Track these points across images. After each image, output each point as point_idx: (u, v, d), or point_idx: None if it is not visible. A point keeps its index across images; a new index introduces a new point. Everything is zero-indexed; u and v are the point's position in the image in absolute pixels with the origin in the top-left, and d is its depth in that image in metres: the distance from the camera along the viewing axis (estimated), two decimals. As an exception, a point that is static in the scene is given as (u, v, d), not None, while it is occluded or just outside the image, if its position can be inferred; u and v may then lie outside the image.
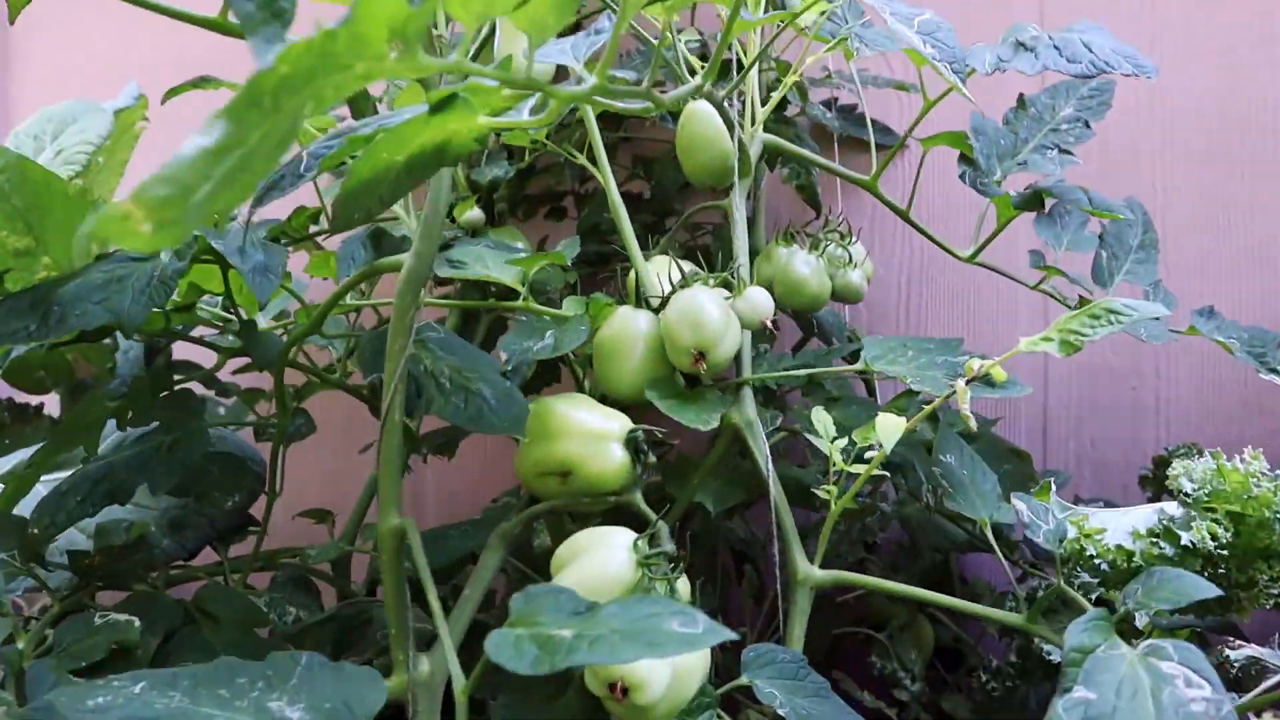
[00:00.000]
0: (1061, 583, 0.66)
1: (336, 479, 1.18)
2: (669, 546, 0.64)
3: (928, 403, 0.72)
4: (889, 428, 0.65)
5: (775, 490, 0.74)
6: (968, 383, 0.66)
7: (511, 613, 0.51)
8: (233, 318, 0.80)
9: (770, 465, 0.74)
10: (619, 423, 0.69)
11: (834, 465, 0.72)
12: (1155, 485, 1.10)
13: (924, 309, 1.29)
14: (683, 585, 0.67)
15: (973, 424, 0.64)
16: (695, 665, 0.63)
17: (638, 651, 0.45)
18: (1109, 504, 1.13)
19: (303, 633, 0.79)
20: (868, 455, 0.70)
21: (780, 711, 0.67)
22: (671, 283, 0.75)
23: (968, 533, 1.13)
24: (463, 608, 0.66)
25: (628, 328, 0.74)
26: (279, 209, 0.72)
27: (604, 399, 0.82)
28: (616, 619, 0.48)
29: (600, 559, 0.62)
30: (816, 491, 0.73)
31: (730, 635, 0.48)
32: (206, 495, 0.81)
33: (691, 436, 0.79)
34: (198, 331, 0.84)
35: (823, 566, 0.82)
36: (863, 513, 1.01)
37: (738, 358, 0.79)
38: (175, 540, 0.89)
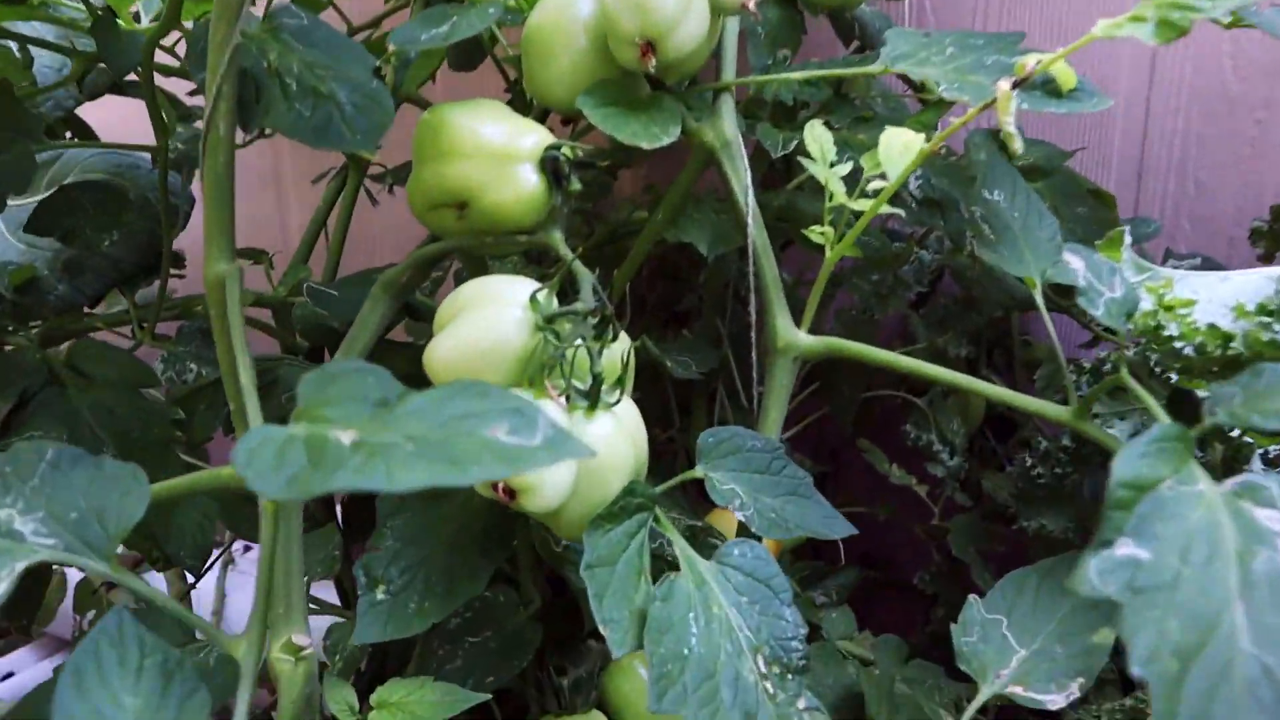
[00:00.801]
0: (1126, 374, 0.48)
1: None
2: (586, 302, 0.47)
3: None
4: (896, 149, 0.46)
5: (754, 229, 0.56)
6: (1015, 86, 0.46)
7: (299, 399, 0.35)
8: (81, 7, 0.62)
9: (750, 197, 0.56)
10: (533, 138, 0.50)
11: (831, 198, 0.54)
12: (1270, 241, 0.89)
13: (1005, 12, 1.05)
14: (614, 360, 0.51)
15: (1017, 144, 0.45)
16: (616, 457, 0.48)
17: (430, 472, 0.30)
18: (1209, 262, 0.92)
19: (192, 395, 0.66)
20: (873, 185, 0.51)
21: (740, 515, 0.52)
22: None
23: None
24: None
25: (564, 12, 0.55)
26: None
27: (545, 115, 0.63)
28: (419, 419, 0.32)
29: (481, 320, 0.46)
30: (807, 234, 0.55)
31: (588, 451, 0.32)
32: (75, 233, 0.66)
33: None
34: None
35: (835, 329, 0.65)
36: (896, 261, 0.82)
37: (718, 57, 0.60)
38: (72, 285, 0.75)
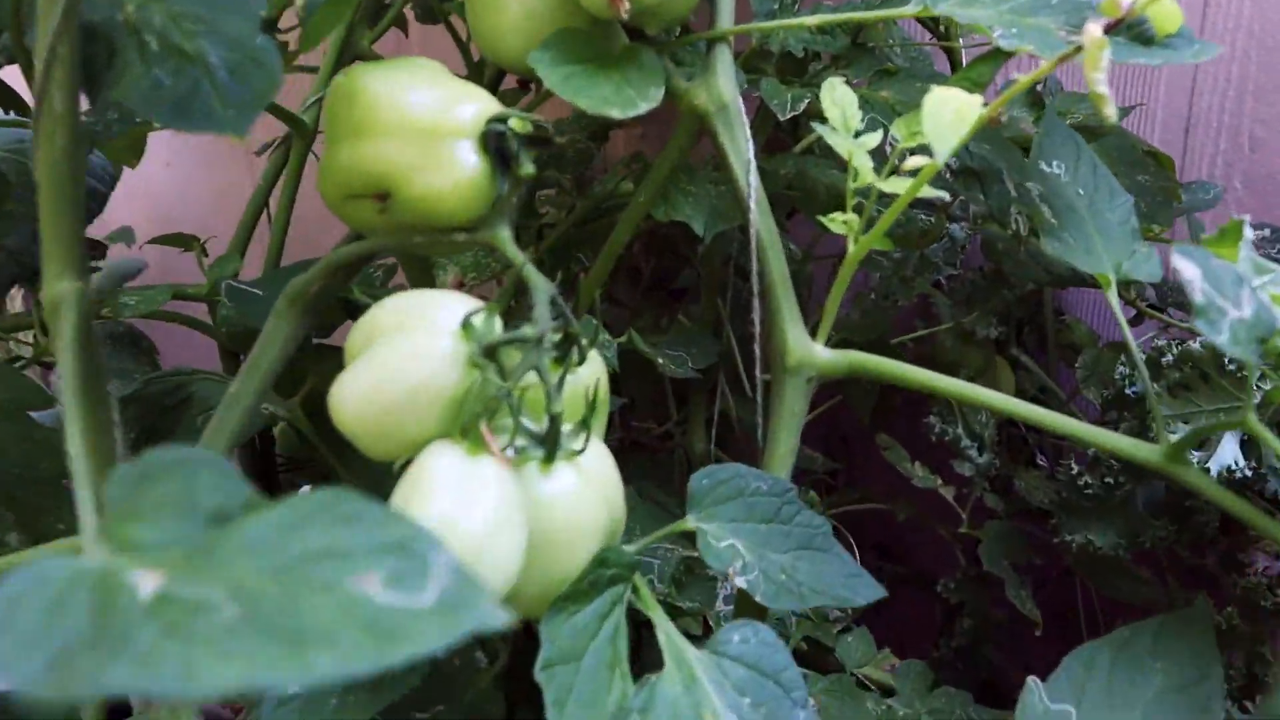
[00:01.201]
0: (1252, 416, 0.36)
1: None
2: (539, 326, 0.36)
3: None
4: (947, 114, 0.34)
5: (758, 214, 0.44)
6: (1109, 30, 0.34)
7: (107, 503, 0.24)
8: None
9: (753, 174, 0.44)
10: (473, 108, 0.39)
11: (855, 178, 0.42)
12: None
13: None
14: (580, 390, 0.39)
15: (1111, 111, 0.33)
16: (580, 521, 0.37)
17: (251, 663, 0.19)
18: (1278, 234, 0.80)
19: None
20: (911, 164, 0.39)
21: (742, 580, 0.41)
22: None
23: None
24: (222, 417, 0.40)
25: (517, -55, 0.43)
26: None
27: (499, 79, 0.52)
28: (257, 555, 0.21)
29: (400, 354, 0.34)
30: (825, 221, 0.44)
31: (502, 619, 0.21)
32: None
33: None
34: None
35: (850, 317, 0.54)
36: (923, 239, 0.71)
37: (713, 2, 0.48)
38: (-40, 281, 0.64)
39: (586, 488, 0.37)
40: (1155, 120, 0.93)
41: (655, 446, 0.87)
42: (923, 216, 0.72)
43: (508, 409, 0.35)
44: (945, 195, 0.41)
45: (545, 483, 0.37)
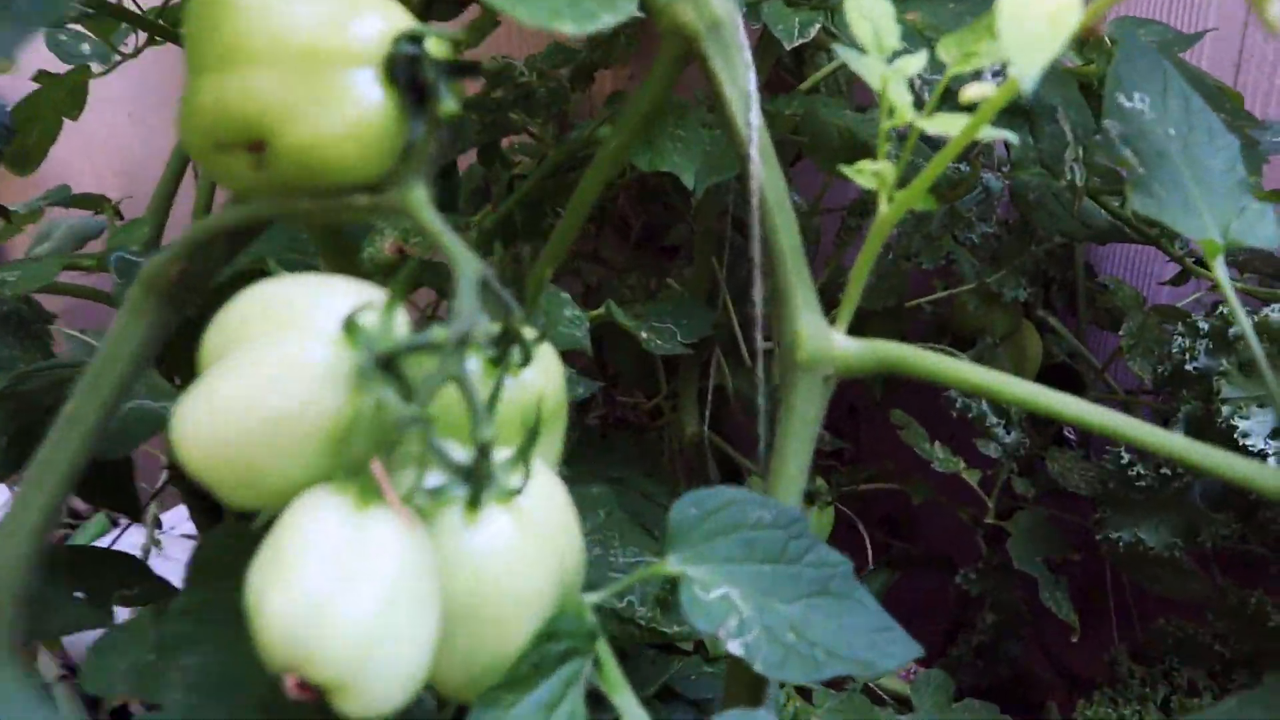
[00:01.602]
0: None
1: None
2: (459, 323, 0.26)
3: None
4: (1035, 19, 0.24)
5: (759, 164, 0.34)
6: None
7: None
8: None
9: (754, 110, 0.34)
10: (374, 24, 0.28)
11: (891, 115, 0.32)
12: None
13: None
14: (528, 402, 0.29)
15: (1274, 10, 0.23)
16: (517, 585, 0.28)
17: None
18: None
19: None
20: (973, 93, 0.29)
21: (736, 645, 0.32)
22: None
23: (1115, 218, 0.72)
24: (55, 445, 0.30)
25: None
26: None
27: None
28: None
29: (259, 368, 0.24)
30: (849, 172, 0.33)
31: None
32: None
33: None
34: None
35: (862, 324, 0.45)
36: (954, 190, 0.60)
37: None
38: None
39: (527, 538, 0.27)
40: (1202, 53, 0.82)
41: (643, 424, 0.78)
42: (952, 164, 0.62)
43: (417, 438, 0.25)
44: (1011, 135, 0.30)
45: (470, 535, 0.27)
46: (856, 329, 0.76)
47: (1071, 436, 0.89)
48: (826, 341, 0.34)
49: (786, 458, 0.34)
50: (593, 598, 0.33)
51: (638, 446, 0.75)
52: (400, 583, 0.24)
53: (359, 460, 0.24)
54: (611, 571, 0.50)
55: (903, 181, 0.33)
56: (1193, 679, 0.71)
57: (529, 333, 0.32)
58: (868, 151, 0.58)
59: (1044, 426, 0.86)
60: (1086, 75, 0.55)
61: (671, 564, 0.33)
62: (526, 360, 0.30)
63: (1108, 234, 0.74)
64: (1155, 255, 0.95)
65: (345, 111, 0.28)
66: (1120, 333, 0.70)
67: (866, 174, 0.32)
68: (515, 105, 0.61)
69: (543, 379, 0.32)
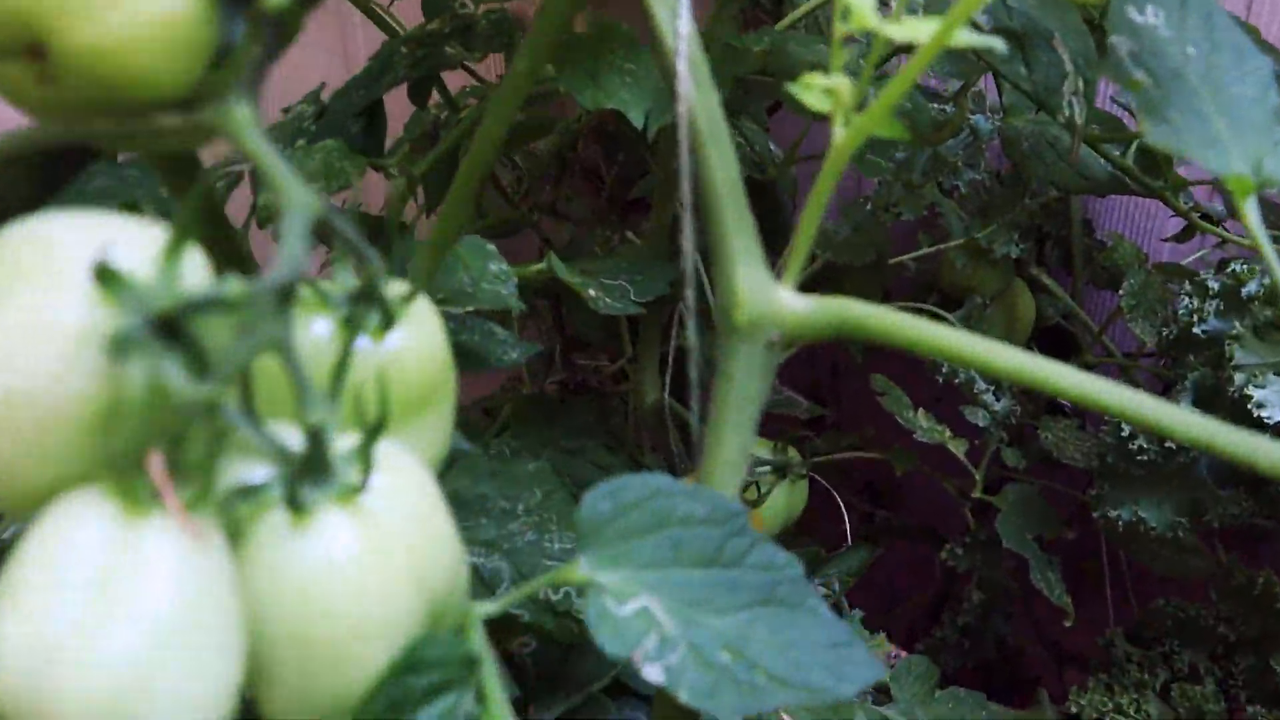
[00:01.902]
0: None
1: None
2: (277, 274, 0.20)
3: None
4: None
5: (687, 82, 0.28)
6: None
7: None
8: None
9: (685, 19, 0.28)
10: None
11: (848, 17, 0.26)
12: None
13: None
14: (392, 371, 0.24)
15: None
16: (362, 603, 0.22)
17: None
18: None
19: None
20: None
21: (657, 670, 0.26)
22: None
23: (1115, 168, 0.66)
24: None
25: None
26: None
27: None
28: None
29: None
30: (796, 91, 0.27)
31: None
32: None
33: None
34: None
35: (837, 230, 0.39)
36: (939, 133, 0.54)
37: None
38: None
39: (373, 548, 0.21)
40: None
41: (606, 389, 0.72)
42: (937, 106, 0.55)
43: (216, 424, 0.19)
44: (998, 43, 0.24)
45: (297, 546, 0.21)
46: (833, 288, 0.70)
47: (1099, 435, 0.83)
48: (771, 300, 0.28)
49: (723, 438, 0.28)
50: (486, 609, 0.27)
51: (597, 413, 0.69)
52: (179, 612, 0.18)
53: (127, 455, 0.18)
54: (547, 560, 0.44)
55: (864, 106, 0.27)
56: (1194, 662, 0.66)
57: (397, 288, 0.25)
58: (842, 88, 0.51)
59: (1036, 392, 0.80)
60: (1088, 4, 0.49)
61: (582, 568, 0.27)
62: (388, 323, 0.24)
63: (1107, 185, 0.67)
64: (1157, 210, 0.89)
65: (138, 5, 0.21)
66: (1120, 292, 0.64)
67: (815, 90, 0.25)
68: (452, 38, 0.54)
69: (415, 345, 0.26)
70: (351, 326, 0.23)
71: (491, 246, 0.43)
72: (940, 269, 0.75)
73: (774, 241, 0.72)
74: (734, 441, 0.28)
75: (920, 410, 0.67)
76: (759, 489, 0.58)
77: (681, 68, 0.28)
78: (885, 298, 0.74)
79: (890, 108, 0.25)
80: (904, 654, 0.66)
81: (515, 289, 0.42)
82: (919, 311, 0.73)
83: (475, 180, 0.35)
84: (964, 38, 0.24)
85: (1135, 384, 0.77)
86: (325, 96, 0.54)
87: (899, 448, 0.75)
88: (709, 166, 0.28)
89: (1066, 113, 0.42)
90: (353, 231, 0.23)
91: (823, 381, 0.89)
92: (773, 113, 0.84)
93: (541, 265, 0.50)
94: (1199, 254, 0.76)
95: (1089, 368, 0.78)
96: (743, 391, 0.28)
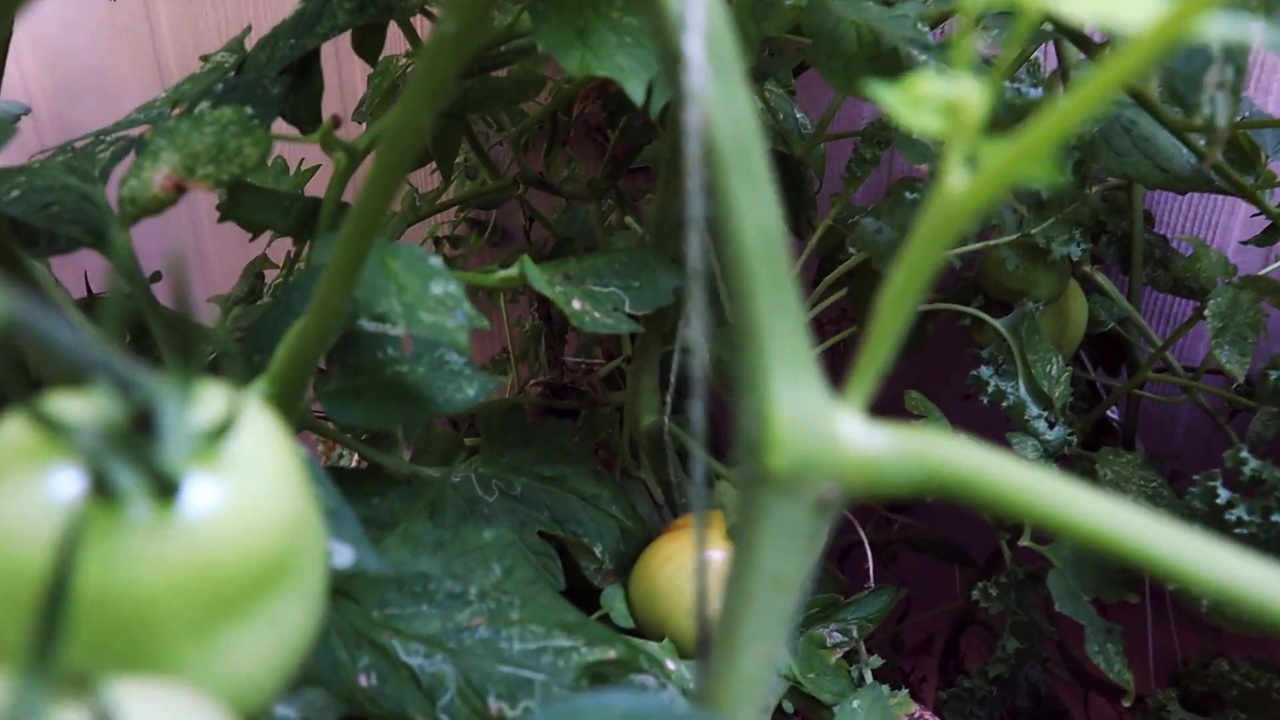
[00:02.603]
0: None
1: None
2: None
3: None
4: None
5: (702, 73, 0.16)
6: None
7: None
8: None
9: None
10: None
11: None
12: None
13: None
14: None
15: None
16: None
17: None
18: None
19: None
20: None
21: None
22: None
23: (1200, 159, 0.54)
24: None
25: None
26: None
27: None
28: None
29: None
30: (890, 105, 0.16)
31: None
32: None
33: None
34: None
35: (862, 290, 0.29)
36: (1019, 123, 0.43)
37: None
38: None
39: None
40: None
41: (598, 398, 0.61)
42: (1010, 84, 0.43)
43: None
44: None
45: None
46: (864, 291, 0.58)
47: (1115, 419, 0.72)
48: (826, 436, 0.17)
49: (740, 642, 0.18)
50: None
51: (585, 430, 0.58)
52: None
53: None
54: (502, 665, 0.34)
55: (993, 125, 0.16)
56: (1259, 740, 0.56)
57: (212, 405, 0.15)
58: (896, 62, 0.39)
59: (1083, 411, 0.69)
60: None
61: None
62: (167, 489, 0.13)
63: (1190, 181, 0.56)
64: (1224, 203, 0.77)
65: None
66: (1207, 313, 0.53)
67: (925, 105, 0.14)
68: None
69: (240, 507, 0.15)
70: (105, 492, 0.12)
71: (436, 260, 0.32)
72: (987, 269, 0.64)
73: (795, 227, 0.60)
74: (756, 648, 0.18)
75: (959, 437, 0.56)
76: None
77: (693, 50, 0.16)
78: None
79: (1051, 140, 0.14)
80: (928, 715, 0.56)
81: (466, 319, 0.31)
82: (962, 310, 0.61)
83: (398, 165, 0.24)
84: (1211, 26, 0.13)
85: (1199, 407, 0.66)
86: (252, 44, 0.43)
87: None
88: (735, 213, 0.17)
89: (1206, 111, 0.31)
90: (77, 334, 0.12)
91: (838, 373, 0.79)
92: (799, 73, 0.72)
93: (511, 272, 0.39)
94: (1276, 265, 0.64)
95: (1144, 384, 0.67)
96: (774, 573, 0.17)
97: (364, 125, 0.70)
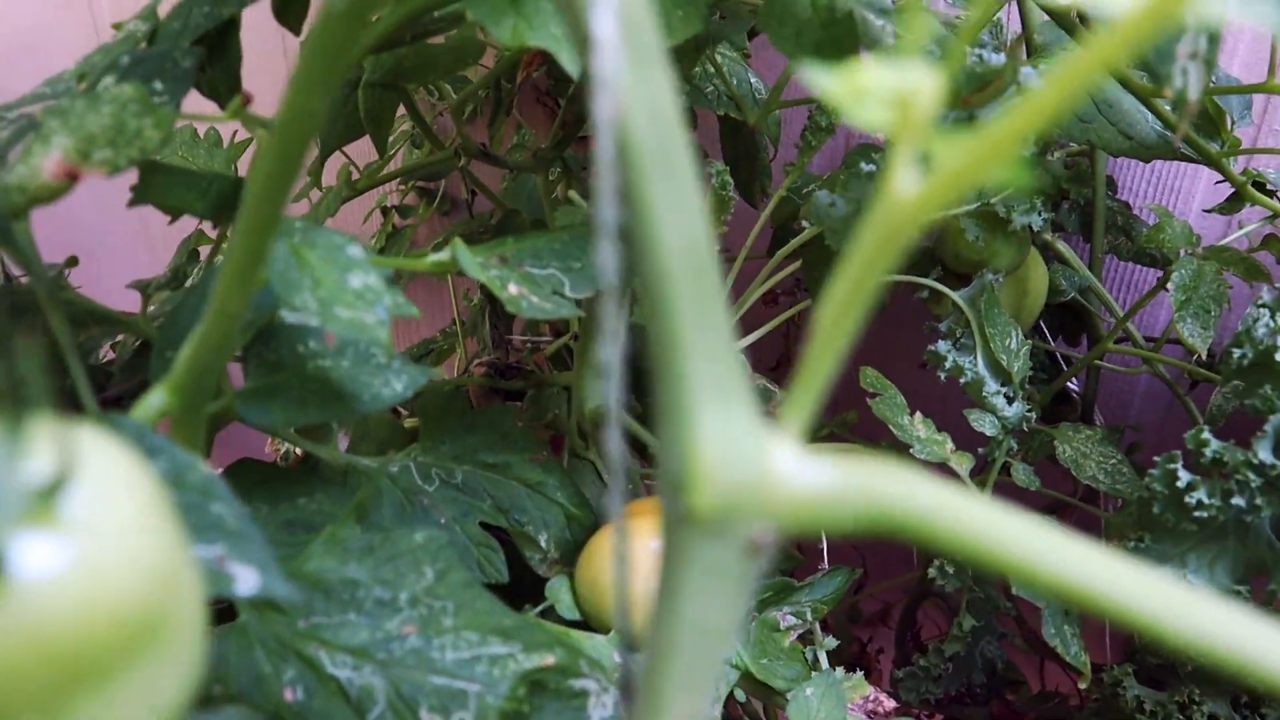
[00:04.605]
0: None
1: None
2: None
3: None
4: None
5: (614, 56, 0.14)
6: None
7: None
8: None
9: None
10: None
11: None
12: None
13: None
14: None
15: None
16: None
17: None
18: None
19: None
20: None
21: None
22: None
23: (1168, 127, 0.52)
24: None
25: None
26: None
27: None
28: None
29: None
30: (837, 102, 0.14)
31: None
32: None
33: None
34: None
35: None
36: (981, 92, 0.40)
37: None
38: None
39: None
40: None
41: (545, 378, 0.58)
42: (974, 51, 0.41)
43: None
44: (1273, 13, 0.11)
45: None
46: (817, 263, 0.56)
47: (1074, 389, 0.71)
48: (759, 471, 0.15)
49: (663, 698, 0.16)
50: None
51: (531, 413, 0.56)
52: None
53: None
54: (435, 675, 0.32)
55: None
56: (1214, 714, 0.56)
57: (45, 455, 0.12)
58: (851, 30, 0.37)
59: (1043, 382, 0.68)
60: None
61: None
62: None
63: (1156, 149, 0.54)
64: (1187, 169, 0.76)
65: None
66: (1170, 286, 0.51)
67: (871, 99, 0.12)
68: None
69: (83, 572, 0.13)
70: None
71: (355, 249, 0.29)
72: (945, 239, 0.62)
73: (748, 196, 0.57)
74: (683, 703, 0.16)
75: (918, 416, 0.55)
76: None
77: (604, 27, 0.14)
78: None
79: (1019, 136, 0.12)
80: (883, 698, 0.55)
81: (387, 314, 0.29)
82: (917, 281, 0.59)
83: (290, 155, 0.22)
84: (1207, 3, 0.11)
85: (1158, 378, 0.65)
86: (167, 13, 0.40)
87: (888, 443, 0.63)
88: (653, 221, 0.14)
89: (1178, 83, 0.29)
90: None
91: (795, 357, 0.77)
92: (754, 36, 0.69)
93: (442, 257, 0.36)
94: (1240, 232, 0.63)
95: (1105, 355, 0.66)
96: (700, 621, 0.15)
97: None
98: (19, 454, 0.13)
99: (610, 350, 0.15)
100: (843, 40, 0.37)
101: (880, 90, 0.12)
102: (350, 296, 0.28)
